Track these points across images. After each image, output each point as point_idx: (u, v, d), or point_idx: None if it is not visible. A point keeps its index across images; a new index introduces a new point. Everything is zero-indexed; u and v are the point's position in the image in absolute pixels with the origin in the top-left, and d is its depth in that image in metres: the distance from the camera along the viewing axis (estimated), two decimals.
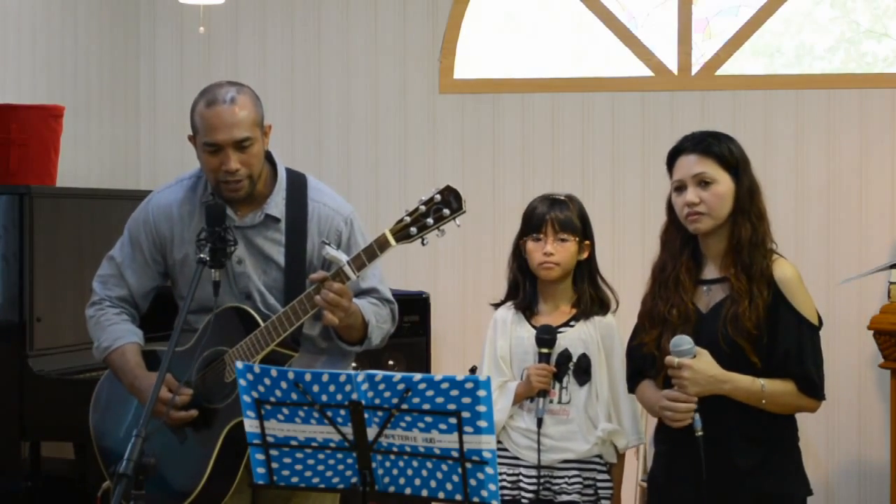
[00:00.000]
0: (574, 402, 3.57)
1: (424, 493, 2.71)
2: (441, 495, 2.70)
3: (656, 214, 5.42)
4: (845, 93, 5.49)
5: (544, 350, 3.54)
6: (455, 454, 2.64)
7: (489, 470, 2.63)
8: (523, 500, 3.55)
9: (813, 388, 3.11)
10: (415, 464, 2.70)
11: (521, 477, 3.57)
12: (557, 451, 3.55)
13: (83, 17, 5.51)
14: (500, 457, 3.57)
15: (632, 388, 3.35)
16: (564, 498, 3.54)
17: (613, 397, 3.58)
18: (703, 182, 3.12)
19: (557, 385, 3.56)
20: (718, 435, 3.09)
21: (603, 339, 3.60)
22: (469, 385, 2.59)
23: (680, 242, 3.21)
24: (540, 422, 3.51)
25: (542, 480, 3.54)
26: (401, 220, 3.10)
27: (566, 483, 3.54)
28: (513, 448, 3.60)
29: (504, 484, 3.58)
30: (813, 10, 5.69)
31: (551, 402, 3.55)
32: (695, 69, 5.66)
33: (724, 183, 3.14)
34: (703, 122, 5.20)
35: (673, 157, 3.21)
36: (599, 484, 3.58)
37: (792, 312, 3.08)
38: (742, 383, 3.06)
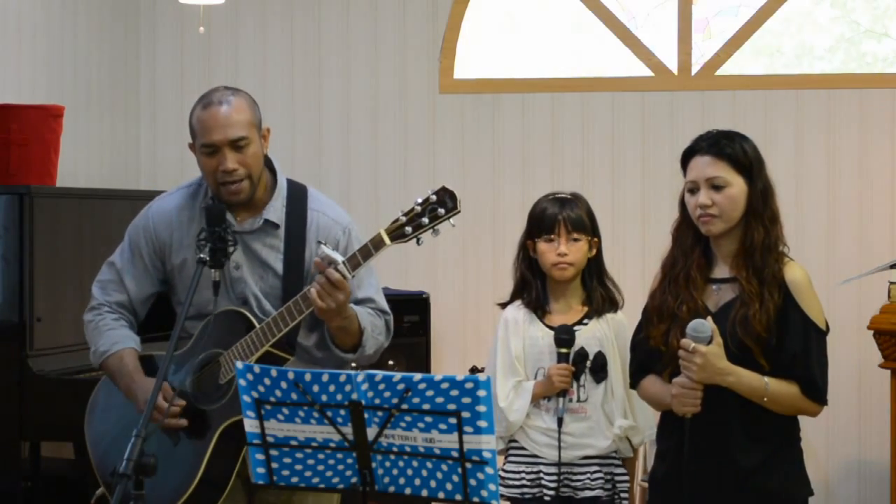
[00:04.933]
0: (591, 399, 3.61)
1: (424, 493, 2.71)
2: (441, 495, 2.70)
3: (656, 214, 5.48)
4: (845, 93, 5.49)
5: (563, 350, 3.57)
6: (455, 454, 2.64)
7: (489, 470, 2.63)
8: (546, 498, 3.58)
9: (817, 392, 3.10)
10: (415, 464, 2.70)
11: (541, 475, 3.60)
12: (578, 447, 3.59)
13: (83, 17, 5.51)
14: (517, 455, 3.64)
15: (634, 383, 3.35)
16: (588, 494, 3.59)
17: (628, 393, 3.62)
18: (716, 185, 3.12)
19: (575, 383, 3.60)
20: (721, 433, 3.09)
21: (616, 336, 3.64)
22: (469, 385, 2.59)
23: (692, 239, 3.20)
24: (560, 421, 3.54)
25: (562, 477, 3.57)
26: (396, 220, 3.11)
27: (589, 479, 3.59)
28: (531, 446, 3.63)
29: (524, 482, 3.63)
30: (813, 10, 5.69)
31: (570, 400, 3.59)
32: (695, 69, 5.67)
33: (737, 186, 3.12)
34: (703, 122, 5.21)
35: (687, 157, 3.19)
36: (617, 478, 3.64)
37: (800, 315, 3.08)
38: (746, 378, 3.06)
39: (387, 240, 3.11)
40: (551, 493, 3.58)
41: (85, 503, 4.45)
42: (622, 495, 3.63)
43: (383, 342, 3.45)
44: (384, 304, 3.46)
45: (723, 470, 3.10)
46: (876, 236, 5.43)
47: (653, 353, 3.22)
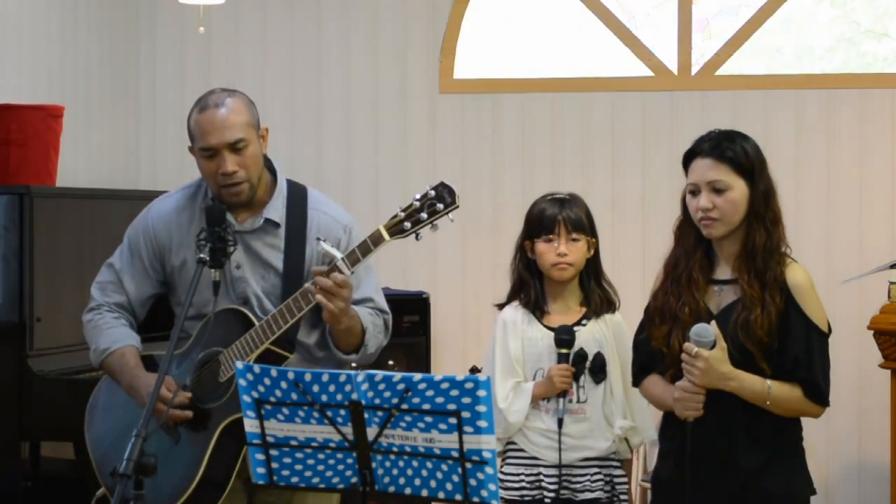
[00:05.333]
0: (591, 400, 3.60)
1: (424, 493, 2.71)
2: (441, 495, 2.70)
3: (656, 214, 5.47)
4: (845, 93, 5.49)
5: (563, 350, 3.55)
6: (455, 454, 2.64)
7: (489, 470, 2.63)
8: (546, 500, 3.57)
9: (819, 394, 3.10)
10: (415, 464, 2.70)
11: (541, 476, 3.59)
12: (578, 449, 3.58)
13: (83, 17, 5.51)
14: (516, 457, 3.62)
15: (636, 382, 3.35)
16: (588, 496, 3.57)
17: (627, 394, 3.62)
18: (717, 189, 3.11)
19: (574, 384, 3.59)
20: (723, 435, 3.09)
21: (615, 337, 3.64)
22: (469, 385, 2.59)
23: (694, 239, 3.20)
24: (560, 422, 3.53)
25: (562, 479, 3.57)
26: (395, 216, 3.12)
27: (589, 481, 3.58)
28: (530, 448, 3.61)
29: (524, 484, 3.61)
30: (813, 10, 5.69)
31: (570, 401, 3.58)
32: (695, 69, 5.67)
33: (738, 189, 3.11)
34: (703, 123, 5.20)
35: (689, 158, 3.18)
36: (616, 479, 3.63)
37: (802, 318, 3.07)
38: (748, 383, 3.06)
39: (386, 235, 3.11)
40: (551, 495, 3.56)
41: (85, 503, 4.45)
42: (621, 497, 3.63)
43: (383, 341, 3.46)
44: (383, 304, 3.46)
45: (725, 471, 3.10)
46: (876, 236, 5.43)
47: (654, 354, 3.22)
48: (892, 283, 4.68)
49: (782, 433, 3.14)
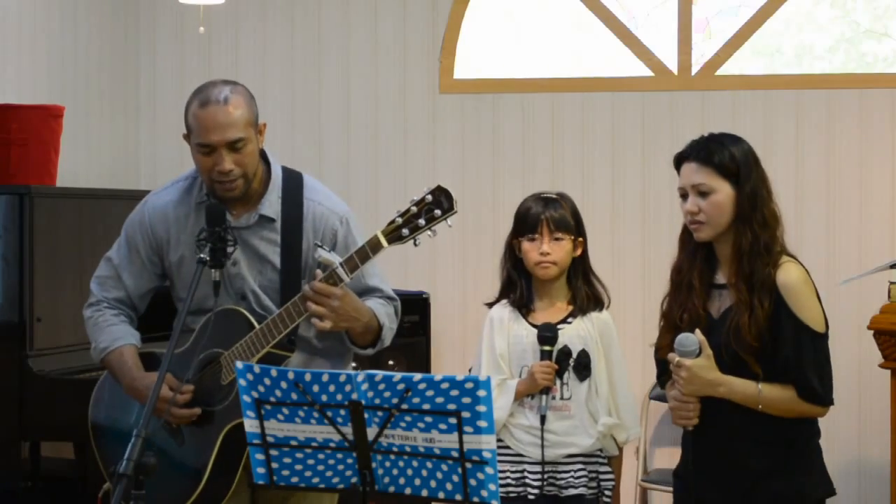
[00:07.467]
0: (575, 397, 3.63)
1: (424, 493, 2.72)
2: (441, 495, 2.70)
3: (656, 214, 5.48)
4: (845, 93, 5.49)
5: (546, 348, 3.59)
6: (455, 454, 2.64)
7: (489, 470, 2.64)
8: (530, 497, 3.58)
9: (813, 394, 3.09)
10: (415, 464, 2.70)
11: (525, 473, 3.61)
12: (562, 446, 3.61)
13: (83, 17, 5.51)
14: (502, 455, 3.59)
15: (662, 385, 3.35)
16: (572, 492, 3.60)
17: (612, 392, 3.65)
18: (702, 192, 3.11)
19: (558, 381, 3.62)
20: (730, 438, 3.09)
21: (601, 335, 3.67)
22: (469, 385, 2.60)
23: (694, 245, 3.20)
24: (543, 419, 3.56)
25: (546, 476, 3.57)
26: (392, 222, 3.09)
27: (573, 477, 3.60)
28: (515, 445, 3.63)
29: (509, 481, 3.63)
30: (813, 10, 5.69)
31: (553, 398, 3.60)
32: (695, 69, 5.66)
33: (723, 192, 3.10)
34: (703, 123, 5.21)
35: (678, 162, 3.20)
36: (602, 476, 3.65)
37: (792, 319, 3.06)
38: (738, 387, 3.06)
39: (384, 242, 3.09)
40: (535, 491, 3.59)
41: (85, 503, 4.45)
42: (606, 493, 3.63)
43: (394, 328, 3.46)
44: (390, 291, 3.47)
45: (735, 473, 3.10)
46: (876, 236, 5.43)
47: (663, 363, 3.22)
48: (892, 283, 4.68)
49: (791, 434, 3.13)
